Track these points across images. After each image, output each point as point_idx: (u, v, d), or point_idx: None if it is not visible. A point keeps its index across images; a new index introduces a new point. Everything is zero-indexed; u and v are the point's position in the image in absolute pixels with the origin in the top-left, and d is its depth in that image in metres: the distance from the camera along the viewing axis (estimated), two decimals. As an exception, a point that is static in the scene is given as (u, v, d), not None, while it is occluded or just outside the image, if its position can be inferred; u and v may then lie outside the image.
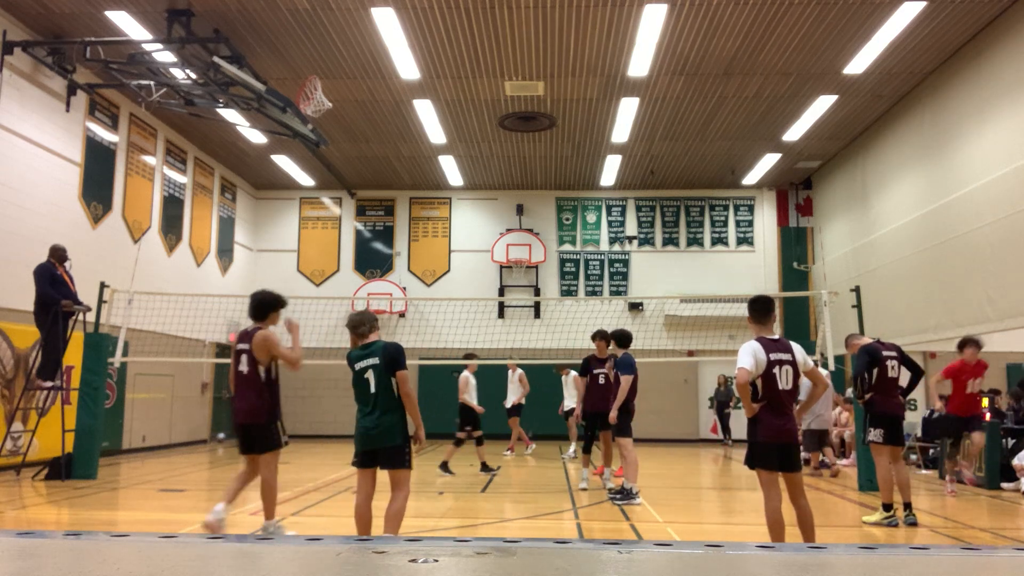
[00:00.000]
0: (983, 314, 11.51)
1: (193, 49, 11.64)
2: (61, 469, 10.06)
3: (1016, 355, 16.88)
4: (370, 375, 5.30)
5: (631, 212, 19.99)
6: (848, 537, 6.97)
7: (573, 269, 19.79)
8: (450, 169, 18.45)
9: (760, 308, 5.55)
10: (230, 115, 14.43)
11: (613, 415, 8.73)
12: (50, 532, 1.38)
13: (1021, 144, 10.66)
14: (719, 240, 19.82)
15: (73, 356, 11.00)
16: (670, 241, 19.87)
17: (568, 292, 19.63)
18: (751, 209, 19.88)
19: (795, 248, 19.64)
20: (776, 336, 5.47)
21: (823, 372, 11.68)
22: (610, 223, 19.95)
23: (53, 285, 10.16)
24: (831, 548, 1.31)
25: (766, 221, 19.83)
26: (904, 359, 7.66)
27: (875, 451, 7.53)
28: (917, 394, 16.45)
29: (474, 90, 13.80)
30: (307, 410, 19.10)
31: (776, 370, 5.26)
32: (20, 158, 11.50)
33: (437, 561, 1.19)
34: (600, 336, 9.68)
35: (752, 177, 18.82)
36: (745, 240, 19.79)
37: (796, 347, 5.42)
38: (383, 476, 5.40)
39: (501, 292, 19.49)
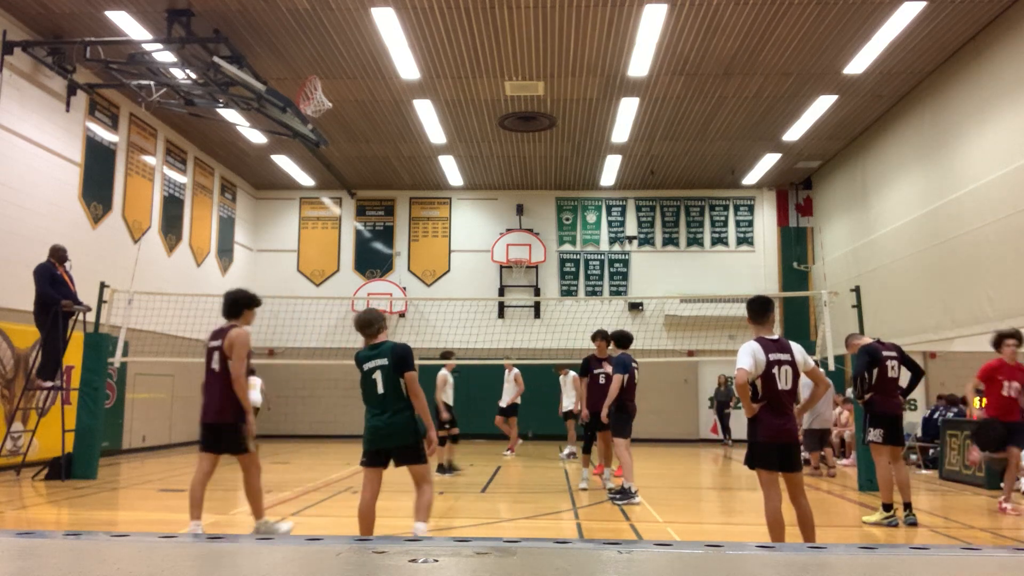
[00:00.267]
0: (983, 314, 11.51)
1: (193, 49, 11.64)
2: (61, 469, 10.06)
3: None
4: (378, 376, 5.31)
5: (631, 212, 19.99)
6: (848, 537, 6.97)
7: (573, 269, 19.79)
8: (450, 169, 18.45)
9: (758, 308, 5.55)
10: (230, 115, 14.43)
11: (604, 413, 8.83)
12: (50, 532, 1.38)
13: (1021, 144, 10.65)
14: (719, 240, 19.82)
15: (73, 356, 11.00)
16: (670, 241, 19.87)
17: (568, 292, 19.63)
18: (751, 209, 19.89)
19: (795, 248, 19.64)
20: (776, 336, 5.46)
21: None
22: (610, 223, 19.95)
23: (53, 285, 10.16)
24: (831, 548, 1.31)
25: (766, 221, 19.83)
26: (904, 359, 7.65)
27: (875, 451, 7.52)
28: (917, 394, 16.45)
29: (474, 90, 13.80)
30: (307, 410, 19.10)
31: (775, 370, 5.26)
32: (20, 158, 11.50)
33: (437, 561, 1.19)
34: (601, 336, 9.67)
35: (752, 177, 18.83)
36: (745, 240, 19.79)
37: (796, 347, 5.41)
38: (385, 477, 5.40)
39: (501, 292, 19.49)
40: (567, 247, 19.93)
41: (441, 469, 11.13)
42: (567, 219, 20.03)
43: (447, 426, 11.42)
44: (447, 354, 11.97)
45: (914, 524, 7.23)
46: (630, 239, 19.85)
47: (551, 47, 12.10)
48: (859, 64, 12.53)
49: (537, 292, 19.57)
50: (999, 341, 8.30)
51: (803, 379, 5.55)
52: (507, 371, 14.25)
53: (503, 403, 14.46)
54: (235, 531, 6.72)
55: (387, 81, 13.41)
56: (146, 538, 1.38)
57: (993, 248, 11.20)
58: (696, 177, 18.96)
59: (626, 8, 10.94)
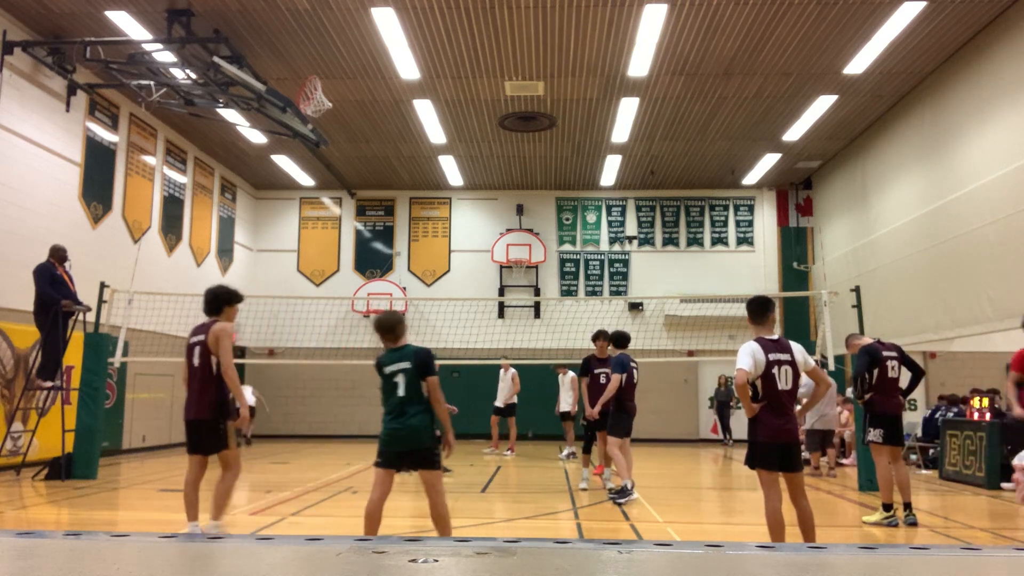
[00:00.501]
0: (983, 314, 11.51)
1: (193, 49, 11.64)
2: (61, 469, 10.05)
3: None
4: (400, 379, 5.27)
5: (631, 212, 19.99)
6: (848, 537, 6.97)
7: (573, 269, 19.80)
8: (450, 169, 18.45)
9: (758, 308, 5.55)
10: (230, 115, 14.43)
11: (595, 411, 8.96)
12: (50, 532, 1.38)
13: (1021, 144, 10.65)
14: (719, 240, 19.82)
15: (73, 356, 10.99)
16: (670, 241, 19.87)
17: (568, 292, 19.63)
18: (751, 209, 19.89)
19: (795, 248, 19.64)
20: (776, 336, 5.46)
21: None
22: (610, 223, 19.95)
23: (53, 285, 10.16)
24: (831, 548, 1.31)
25: (766, 221, 19.83)
26: (904, 359, 7.65)
27: (875, 451, 7.52)
28: (917, 394, 16.46)
29: (474, 90, 13.80)
30: (307, 410, 19.10)
31: (775, 370, 5.26)
32: (20, 158, 11.50)
33: (437, 561, 1.19)
34: (602, 337, 9.68)
35: (752, 177, 18.83)
36: (745, 240, 19.79)
37: (796, 347, 5.41)
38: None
39: (501, 292, 19.49)
40: (567, 247, 19.94)
41: None
42: (567, 219, 20.03)
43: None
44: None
45: (914, 524, 7.23)
46: (630, 239, 19.85)
47: (551, 47, 12.10)
48: (859, 64, 12.52)
49: (537, 292, 19.57)
50: None
51: (805, 379, 5.54)
52: (503, 371, 14.24)
53: (500, 403, 14.47)
54: (235, 531, 6.72)
55: (387, 81, 13.41)
56: (146, 538, 1.38)
57: (993, 248, 11.20)
58: (696, 177, 18.95)
59: (626, 8, 10.94)
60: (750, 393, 5.29)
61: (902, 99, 14.06)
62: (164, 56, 11.87)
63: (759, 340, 5.37)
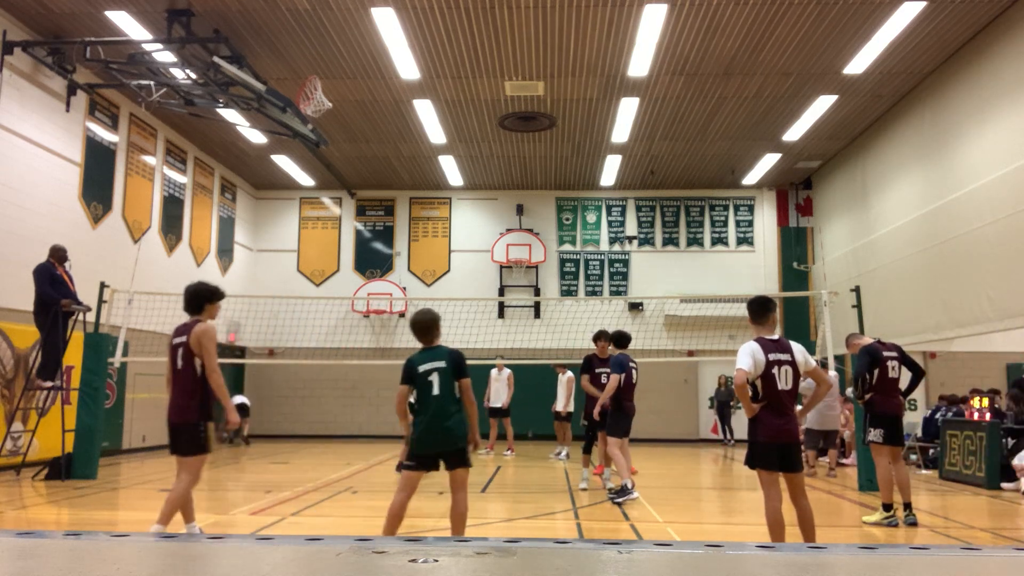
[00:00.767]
0: (983, 314, 11.51)
1: (193, 49, 11.64)
2: (61, 469, 10.05)
3: (1016, 355, 16.89)
4: (434, 378, 5.29)
5: (631, 212, 19.99)
6: (848, 537, 6.97)
7: (573, 269, 19.79)
8: (450, 169, 18.45)
9: (758, 308, 5.55)
10: (230, 115, 14.43)
11: (596, 411, 8.94)
12: (50, 532, 1.38)
13: (1021, 144, 10.65)
14: (719, 240, 19.82)
15: (73, 356, 10.99)
16: (670, 241, 19.87)
17: (568, 292, 19.63)
18: (751, 209, 19.88)
19: (795, 248, 19.64)
20: (776, 336, 5.46)
21: (833, 375, 11.66)
22: (610, 223, 19.95)
23: (53, 285, 10.16)
24: (831, 548, 1.31)
25: (766, 221, 19.83)
26: (905, 359, 7.65)
27: (875, 451, 7.52)
28: (917, 394, 16.45)
29: (474, 90, 13.80)
30: (307, 410, 19.09)
31: (775, 370, 5.26)
32: (20, 158, 11.50)
33: (437, 561, 1.19)
34: (603, 337, 9.69)
35: (752, 177, 18.82)
36: (745, 240, 19.79)
37: (797, 347, 5.41)
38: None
39: (501, 292, 19.49)
40: (567, 247, 19.93)
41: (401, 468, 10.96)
42: (567, 219, 20.03)
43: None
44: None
45: (914, 524, 7.23)
46: (630, 239, 19.85)
47: (551, 47, 12.10)
48: (859, 64, 12.52)
49: (537, 292, 19.57)
50: None
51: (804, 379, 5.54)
52: (496, 371, 14.25)
53: (497, 403, 14.45)
54: (235, 531, 6.72)
55: (387, 81, 13.41)
56: (146, 538, 1.38)
57: (993, 248, 11.20)
58: (696, 177, 18.95)
59: (626, 8, 10.94)
60: (750, 393, 5.29)
61: (902, 99, 14.06)
62: (164, 56, 11.87)
63: (759, 340, 5.37)
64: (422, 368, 5.33)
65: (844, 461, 13.42)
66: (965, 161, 12.07)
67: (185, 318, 6.15)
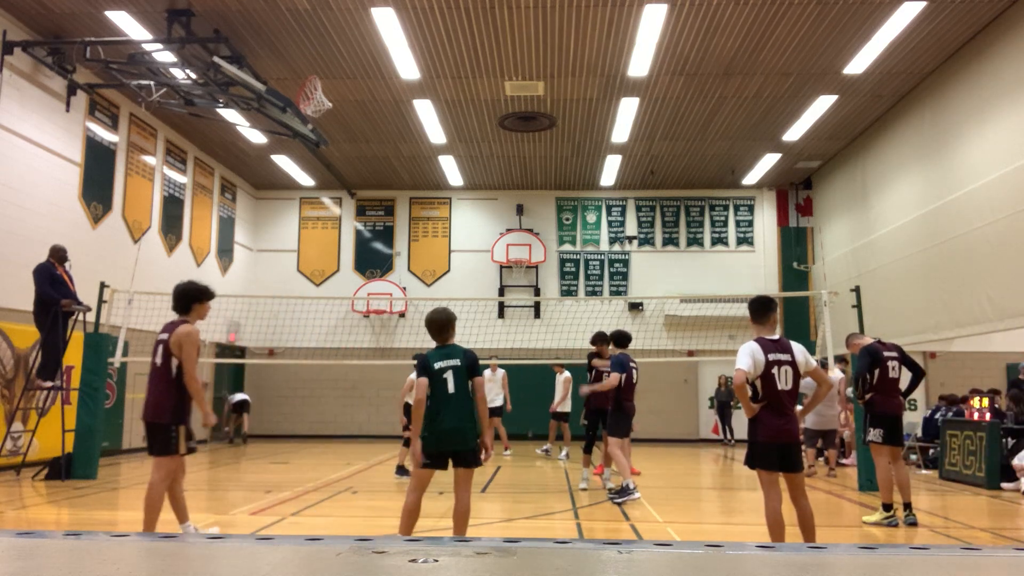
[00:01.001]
0: (983, 314, 11.51)
1: (193, 49, 11.64)
2: (61, 469, 10.06)
3: (1016, 355, 16.87)
4: (449, 376, 5.35)
5: (631, 212, 19.99)
6: (848, 537, 6.97)
7: (573, 269, 19.80)
8: (450, 169, 18.45)
9: (759, 308, 5.55)
10: (230, 115, 14.43)
11: (584, 390, 9.27)
12: (50, 532, 1.38)
13: (1021, 144, 10.65)
14: (719, 240, 19.82)
15: (73, 356, 10.99)
16: (670, 241, 19.87)
17: (568, 292, 19.63)
18: (751, 209, 19.88)
19: (795, 248, 19.64)
20: (776, 336, 5.46)
21: (839, 375, 11.66)
22: (610, 223, 19.95)
23: (53, 285, 10.16)
24: (831, 548, 1.31)
25: (766, 221, 19.83)
26: (905, 359, 7.65)
27: (875, 451, 7.52)
28: (917, 394, 16.46)
29: (474, 90, 13.80)
30: (307, 410, 19.10)
31: (775, 370, 5.26)
32: (20, 158, 11.50)
33: (437, 561, 1.19)
34: (602, 339, 9.72)
35: (752, 177, 18.82)
36: (745, 240, 19.79)
37: (797, 347, 5.41)
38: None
39: (501, 292, 19.50)
40: (567, 247, 19.94)
41: (401, 471, 10.87)
42: (567, 219, 20.03)
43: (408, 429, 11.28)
44: (418, 356, 11.93)
45: (914, 524, 7.23)
46: (630, 239, 19.85)
47: (551, 47, 12.10)
48: (859, 64, 12.52)
49: (537, 292, 19.57)
50: None
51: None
52: (491, 371, 14.27)
53: (491, 404, 14.45)
54: (235, 531, 6.71)
55: (387, 81, 13.41)
56: (146, 538, 1.38)
57: (993, 248, 11.20)
58: (696, 177, 18.95)
59: (626, 8, 10.94)
60: (749, 393, 5.29)
61: (902, 99, 14.06)
62: (164, 56, 11.87)
63: (759, 340, 5.37)
64: (438, 365, 5.38)
65: (844, 461, 13.41)
66: (965, 161, 12.07)
67: None
